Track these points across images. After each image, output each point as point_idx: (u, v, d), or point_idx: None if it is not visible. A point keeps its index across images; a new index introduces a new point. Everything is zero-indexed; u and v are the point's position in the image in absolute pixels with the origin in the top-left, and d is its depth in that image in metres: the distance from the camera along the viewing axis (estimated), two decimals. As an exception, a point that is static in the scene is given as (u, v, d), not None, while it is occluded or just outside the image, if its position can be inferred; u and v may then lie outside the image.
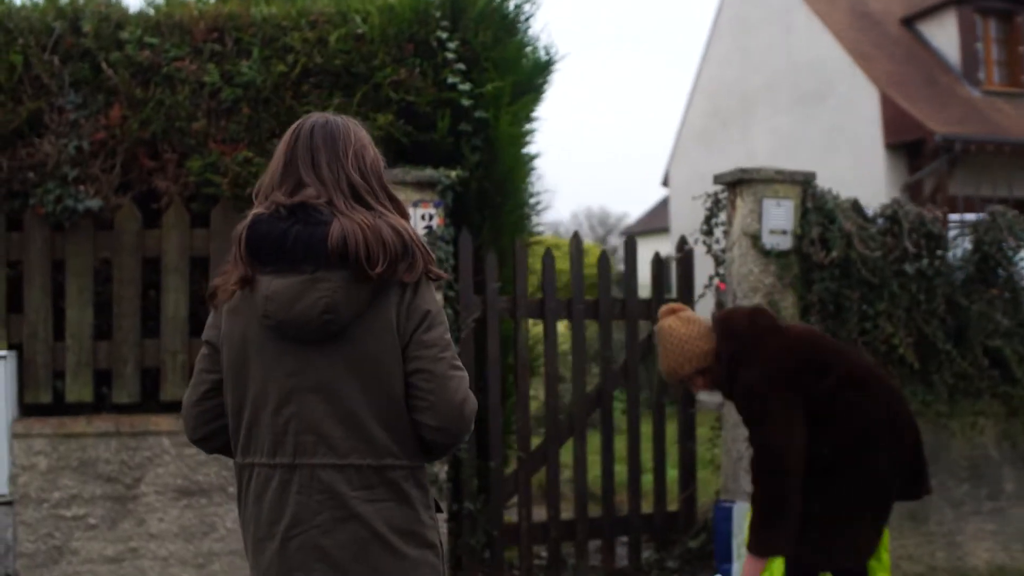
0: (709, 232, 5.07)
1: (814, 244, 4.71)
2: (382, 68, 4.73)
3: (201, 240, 4.70)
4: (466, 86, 4.73)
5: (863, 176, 12.35)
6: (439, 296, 4.65)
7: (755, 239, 4.79)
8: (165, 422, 4.53)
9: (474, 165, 4.79)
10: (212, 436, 2.09)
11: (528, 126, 5.30)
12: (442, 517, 2.13)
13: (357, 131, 2.08)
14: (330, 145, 2.02)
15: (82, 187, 4.61)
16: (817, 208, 4.80)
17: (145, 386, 4.70)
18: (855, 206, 4.96)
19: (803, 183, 4.85)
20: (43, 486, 4.48)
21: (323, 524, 1.94)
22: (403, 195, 4.59)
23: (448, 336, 2.01)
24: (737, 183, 4.85)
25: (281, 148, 2.05)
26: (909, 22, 14.93)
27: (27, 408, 4.63)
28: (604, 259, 5.06)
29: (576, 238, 5.14)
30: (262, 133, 4.72)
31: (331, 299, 1.91)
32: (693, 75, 18.42)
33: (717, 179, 4.93)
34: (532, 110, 5.17)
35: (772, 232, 4.78)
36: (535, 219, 6.14)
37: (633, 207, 56.33)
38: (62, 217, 4.59)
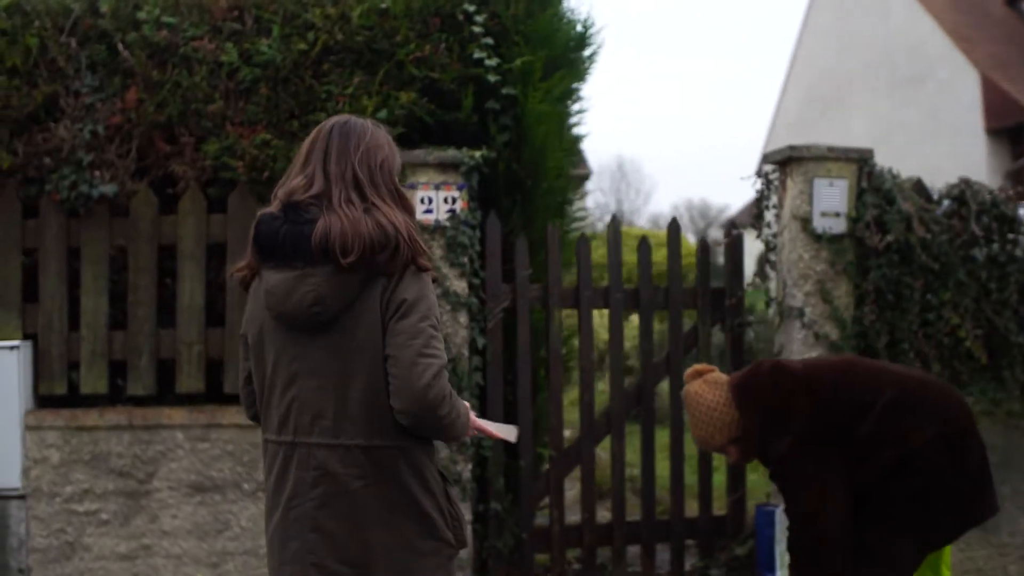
0: (759, 216, 4.89)
1: (869, 227, 4.49)
2: (405, 44, 4.69)
3: (218, 226, 4.72)
4: (493, 61, 4.66)
5: (963, 163, 11.92)
6: (463, 284, 4.58)
7: (805, 222, 4.61)
8: (179, 415, 4.56)
9: (502, 145, 4.71)
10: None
11: (567, 104, 5.18)
12: (454, 492, 2.40)
13: (375, 131, 2.35)
14: (343, 141, 2.29)
15: (97, 172, 4.67)
16: (874, 188, 4.60)
17: (162, 378, 4.70)
18: (918, 186, 4.74)
19: (859, 161, 4.65)
20: (55, 480, 4.54)
21: (318, 498, 2.21)
22: (425, 177, 4.55)
23: (425, 323, 2.18)
24: (787, 162, 4.68)
25: (304, 145, 2.34)
26: (1013, 2, 14.36)
27: (42, 400, 4.69)
28: (644, 245, 4.91)
29: (614, 221, 5.02)
30: (280, 114, 4.73)
31: (317, 292, 2.17)
32: (788, 61, 18.09)
33: (767, 158, 4.76)
34: (569, 86, 5.08)
35: (824, 214, 4.60)
36: (577, 204, 6.05)
37: (736, 198, 55.66)
38: (77, 203, 4.66)
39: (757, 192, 4.88)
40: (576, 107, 5.63)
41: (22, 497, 4.56)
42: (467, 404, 2.34)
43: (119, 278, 4.76)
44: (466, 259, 4.59)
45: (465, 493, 4.51)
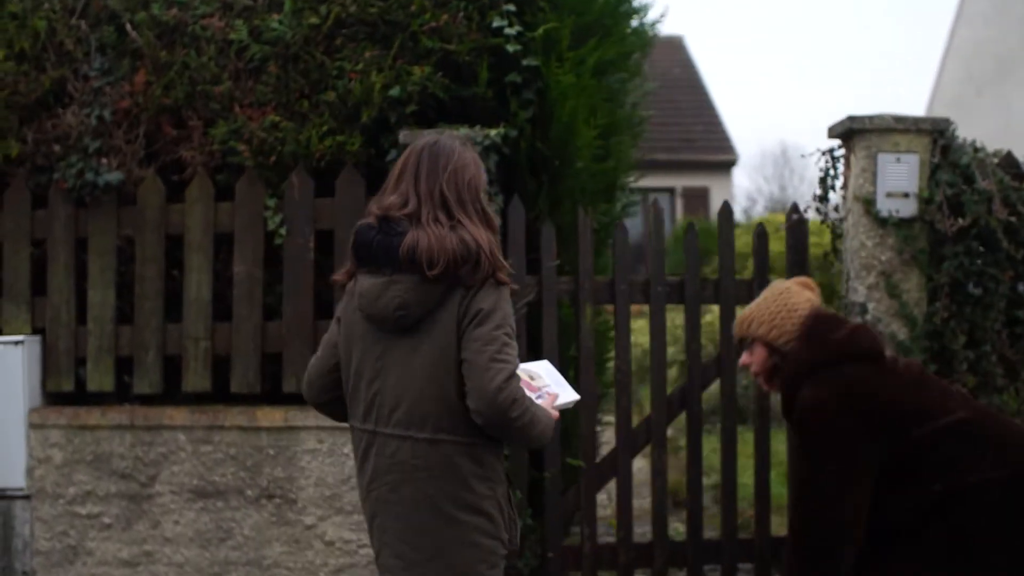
0: (824, 198, 4.59)
1: (942, 209, 4.13)
2: (420, 15, 4.58)
3: (226, 215, 4.76)
4: (513, 29, 4.54)
5: None
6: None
7: (868, 204, 4.32)
8: (180, 415, 4.62)
9: (524, 122, 4.55)
10: (331, 403, 2.79)
11: (608, 77, 4.98)
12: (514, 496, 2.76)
13: (462, 152, 2.73)
14: (432, 162, 2.67)
15: (104, 160, 4.76)
16: (950, 164, 4.23)
17: (172, 375, 4.75)
18: (1007, 160, 4.35)
19: (932, 133, 4.33)
20: (59, 481, 4.67)
21: (390, 483, 2.62)
22: None
23: (500, 332, 2.54)
24: (849, 135, 4.39)
25: (397, 163, 2.73)
26: None
27: (51, 397, 4.82)
28: (691, 232, 4.66)
29: (655, 208, 4.78)
30: (291, 94, 4.73)
31: (403, 298, 2.57)
32: (946, 37, 17.26)
33: (830, 132, 4.45)
34: (608, 56, 4.85)
35: (890, 195, 4.30)
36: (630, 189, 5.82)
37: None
38: (83, 192, 4.76)
39: (821, 171, 4.57)
40: (629, 81, 5.44)
41: (27, 497, 4.70)
42: (551, 411, 2.67)
43: (127, 270, 4.84)
44: (481, 249, 4.44)
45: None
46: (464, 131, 4.48)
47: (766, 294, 3.10)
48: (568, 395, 2.82)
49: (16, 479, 4.70)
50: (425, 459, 2.57)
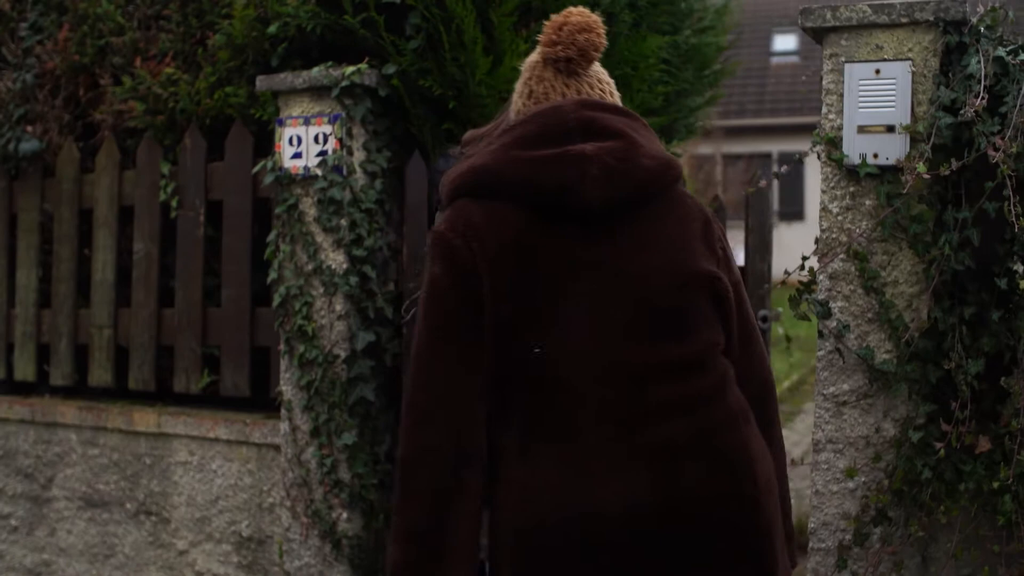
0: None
1: (947, 150, 2.55)
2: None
3: (131, 185, 4.12)
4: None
5: None
6: (340, 256, 3.51)
7: (832, 145, 2.75)
8: (70, 413, 4.13)
9: (412, 54, 3.46)
10: None
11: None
12: None
13: None
14: None
15: (29, 128, 4.34)
16: (965, 77, 2.59)
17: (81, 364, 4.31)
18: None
19: (935, 25, 2.68)
20: (-23, 474, 4.34)
21: None
22: (298, 108, 3.59)
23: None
24: (818, 33, 2.84)
25: None
26: None
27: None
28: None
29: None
30: (187, 42, 4.02)
31: None
32: None
33: (803, 26, 2.93)
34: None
35: (863, 130, 2.72)
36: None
37: None
38: (8, 164, 4.37)
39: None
40: None
41: (-45, 489, 4.44)
42: None
43: (50, 248, 4.42)
44: (343, 221, 3.47)
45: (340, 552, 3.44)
46: (318, 71, 3.51)
47: None
48: None
49: (-53, 469, 4.50)
50: None
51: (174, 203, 4.11)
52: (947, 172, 2.53)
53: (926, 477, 2.68)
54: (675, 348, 1.93)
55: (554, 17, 2.05)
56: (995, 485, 2.57)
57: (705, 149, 17.07)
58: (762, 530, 1.98)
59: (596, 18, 2.04)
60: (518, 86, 2.13)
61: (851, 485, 2.84)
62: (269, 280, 3.74)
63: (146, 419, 4.03)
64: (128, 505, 4.11)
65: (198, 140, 4.05)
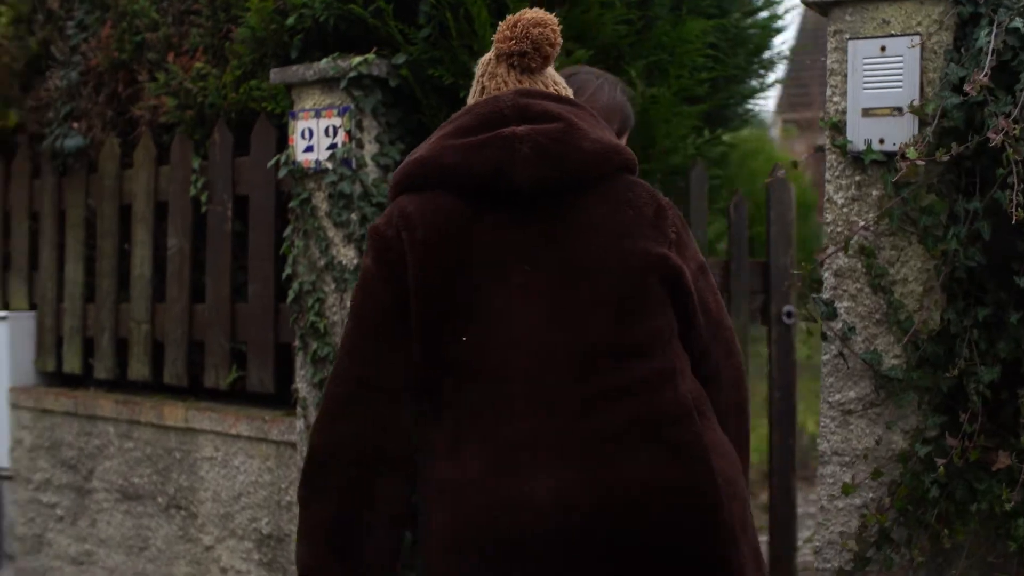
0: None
1: (956, 131, 2.34)
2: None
3: (166, 181, 4.15)
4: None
5: None
6: (350, 252, 3.44)
7: (836, 130, 2.54)
8: (109, 406, 4.18)
9: (424, 42, 3.37)
10: None
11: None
12: None
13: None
14: None
15: (75, 124, 4.42)
16: (976, 51, 2.36)
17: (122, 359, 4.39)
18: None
19: (947, -4, 2.45)
20: (28, 465, 4.59)
21: None
22: (310, 101, 3.52)
23: None
24: (825, 8, 2.64)
25: None
26: None
27: (43, 376, 4.65)
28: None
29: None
30: (216, 36, 4.01)
31: None
32: None
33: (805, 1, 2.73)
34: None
35: (868, 112, 2.51)
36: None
37: None
38: (57, 160, 4.47)
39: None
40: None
41: (10, 478, 4.56)
42: None
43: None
44: (354, 215, 3.40)
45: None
46: (325, 63, 3.44)
47: None
48: None
49: (1, 458, 4.61)
50: None
51: (203, 198, 4.12)
52: (945, 158, 2.29)
53: (933, 496, 2.44)
54: (615, 334, 1.82)
55: (509, 16, 1.98)
56: (1007, 507, 2.33)
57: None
58: (724, 535, 1.81)
59: (551, 16, 1.98)
60: (473, 84, 2.05)
61: (857, 502, 2.61)
62: (284, 276, 3.71)
63: (175, 414, 4.06)
64: (160, 499, 4.15)
65: (226, 135, 4.04)
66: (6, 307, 4.83)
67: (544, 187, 1.86)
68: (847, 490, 2.52)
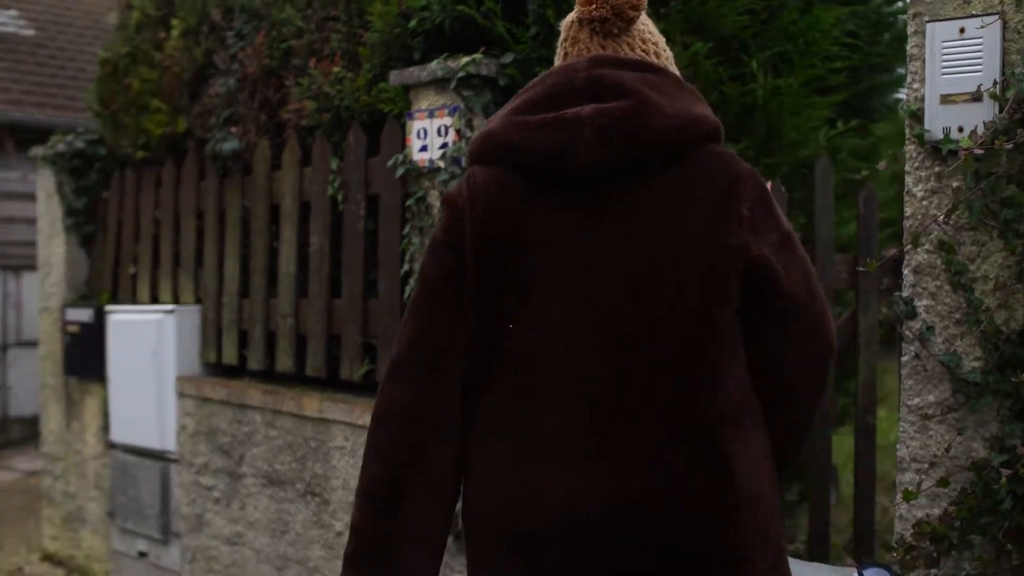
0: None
1: None
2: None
3: (308, 182, 4.40)
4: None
5: None
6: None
7: (915, 118, 2.45)
8: (257, 395, 4.47)
9: (532, 41, 3.44)
10: None
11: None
12: None
13: None
14: None
15: (233, 128, 4.74)
16: None
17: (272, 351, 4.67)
18: None
19: (1030, -30, 2.31)
20: (191, 450, 4.90)
21: None
22: (425, 102, 3.67)
23: None
24: (910, -2, 2.55)
25: None
26: None
27: (208, 367, 4.99)
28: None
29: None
30: (352, 41, 4.20)
31: None
32: None
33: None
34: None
35: (947, 99, 2.38)
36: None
37: None
38: (216, 163, 4.80)
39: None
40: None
41: (176, 461, 4.92)
42: None
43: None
44: (463, 213, 3.49)
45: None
46: (436, 64, 3.54)
47: None
48: None
49: (169, 443, 4.98)
50: None
51: (339, 198, 4.33)
52: (1008, 146, 2.14)
53: (1006, 507, 2.28)
54: (660, 333, 1.77)
55: None
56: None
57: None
58: (737, 548, 1.78)
59: None
60: (557, 48, 2.02)
61: (936, 512, 2.48)
62: (402, 272, 3.85)
63: (311, 404, 4.29)
64: (298, 485, 4.38)
65: (359, 136, 4.22)
66: (176, 301, 5.25)
67: (605, 171, 1.81)
68: (908, 497, 2.40)
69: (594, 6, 1.90)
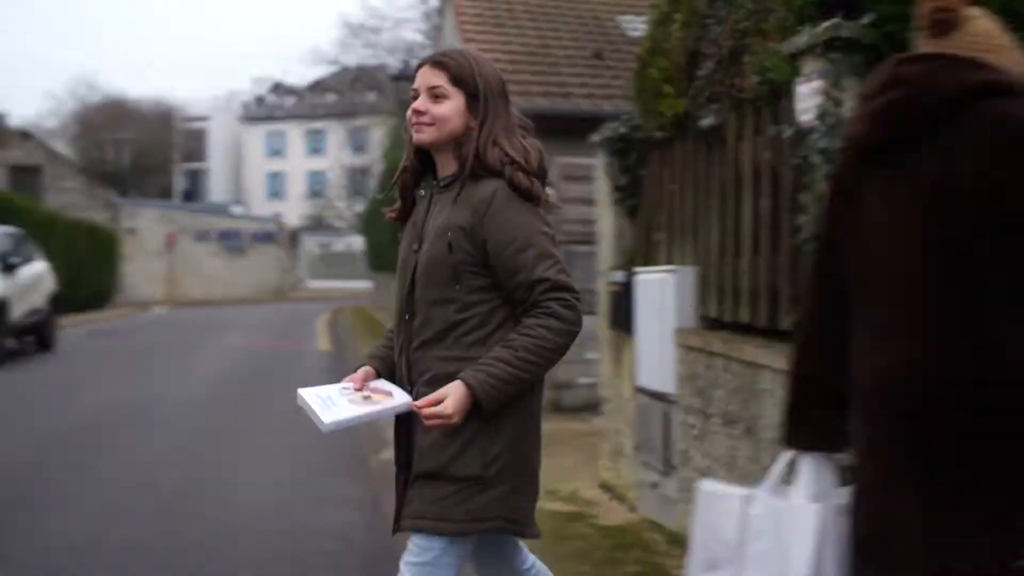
0: None
1: None
2: None
3: (759, 151, 4.93)
4: None
5: None
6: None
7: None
8: (718, 344, 5.09)
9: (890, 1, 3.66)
10: None
11: None
12: None
13: None
14: None
15: (713, 106, 5.38)
16: None
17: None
18: None
19: None
20: (681, 392, 5.61)
21: None
22: (808, 68, 4.11)
23: None
24: None
25: None
26: None
27: (705, 321, 5.68)
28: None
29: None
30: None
31: None
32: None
33: None
34: None
35: None
36: None
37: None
38: (701, 139, 5.47)
39: None
40: None
41: (675, 402, 5.68)
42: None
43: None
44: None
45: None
46: (806, 32, 3.80)
47: None
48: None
49: (669, 386, 5.70)
50: None
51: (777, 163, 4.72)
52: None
53: None
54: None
55: None
56: None
57: None
58: None
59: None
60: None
61: None
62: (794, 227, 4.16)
63: (751, 352, 4.76)
64: (743, 424, 4.88)
65: (787, 106, 4.57)
66: (682, 263, 5.98)
67: (902, 146, 2.24)
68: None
69: (920, 18, 2.35)
